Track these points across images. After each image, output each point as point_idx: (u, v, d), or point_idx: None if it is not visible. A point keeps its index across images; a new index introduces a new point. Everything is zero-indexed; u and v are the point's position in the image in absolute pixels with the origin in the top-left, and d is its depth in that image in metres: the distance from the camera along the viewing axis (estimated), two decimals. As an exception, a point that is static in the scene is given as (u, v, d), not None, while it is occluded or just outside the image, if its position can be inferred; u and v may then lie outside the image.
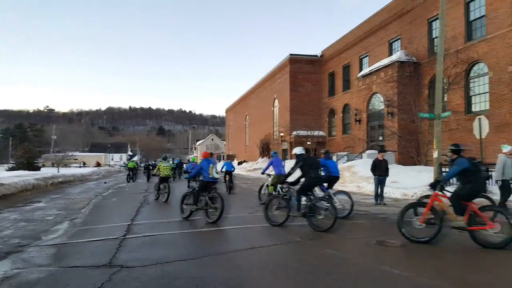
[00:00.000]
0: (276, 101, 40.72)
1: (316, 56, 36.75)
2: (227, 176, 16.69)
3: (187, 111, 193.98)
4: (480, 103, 19.06)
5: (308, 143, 31.95)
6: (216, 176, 9.33)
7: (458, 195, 6.50)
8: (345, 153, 26.52)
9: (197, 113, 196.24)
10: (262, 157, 39.68)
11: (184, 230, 8.18)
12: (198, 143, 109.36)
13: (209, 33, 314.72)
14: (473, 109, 19.29)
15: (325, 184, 9.82)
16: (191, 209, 9.23)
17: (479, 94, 19.08)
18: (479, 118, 14.31)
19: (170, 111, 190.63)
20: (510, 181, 9.21)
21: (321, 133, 34.47)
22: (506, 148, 9.86)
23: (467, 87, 19.62)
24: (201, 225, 8.64)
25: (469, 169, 6.47)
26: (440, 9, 14.33)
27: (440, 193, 6.84)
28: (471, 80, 19.54)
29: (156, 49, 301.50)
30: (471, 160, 6.77)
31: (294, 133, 34.00)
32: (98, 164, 68.62)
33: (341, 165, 20.27)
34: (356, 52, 30.36)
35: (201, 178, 9.37)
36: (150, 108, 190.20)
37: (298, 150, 8.64)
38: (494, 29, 17.90)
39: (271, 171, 12.45)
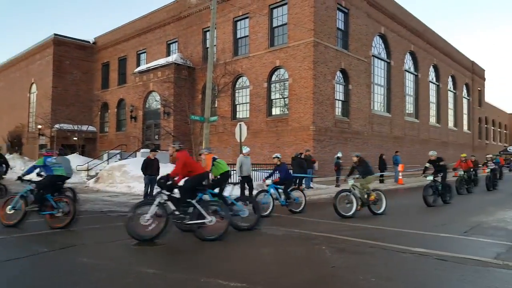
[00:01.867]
0: (34, 86, 34.43)
1: (88, 42, 33.15)
2: None
3: None
4: (243, 111, 21.95)
5: (75, 138, 28.21)
6: None
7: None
8: (118, 151, 25.17)
9: None
10: (11, 153, 32.37)
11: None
12: None
13: None
14: (237, 116, 22.01)
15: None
16: None
17: (242, 103, 21.97)
18: (240, 124, 16.29)
19: None
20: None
21: (91, 128, 31.02)
22: (245, 149, 11.88)
23: (233, 96, 22.24)
24: None
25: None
26: (211, 22, 15.52)
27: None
28: (236, 91, 22.26)
29: None
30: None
31: (57, 126, 28.97)
32: None
33: (111, 164, 19.66)
34: (133, 46, 29.25)
35: None
36: None
37: None
38: (254, 49, 20.92)
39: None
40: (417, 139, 27.84)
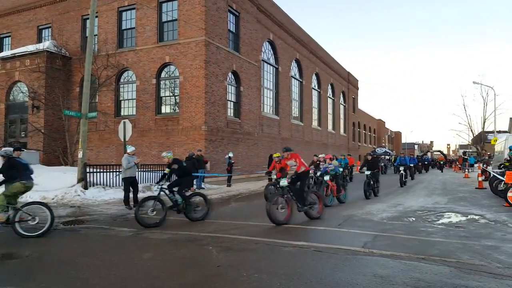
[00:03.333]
0: None
1: None
2: None
3: None
4: (128, 108, 20.48)
5: None
6: None
7: None
8: None
9: None
10: None
11: None
12: None
13: None
14: (122, 113, 20.44)
15: None
16: None
17: (128, 99, 20.48)
18: (124, 122, 15.06)
19: None
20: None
21: None
22: (130, 149, 11.14)
23: (117, 91, 20.57)
24: None
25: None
26: (91, 9, 14.11)
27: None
28: (121, 85, 20.64)
29: None
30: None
31: None
32: None
33: None
34: (-5, 28, 24.96)
35: None
36: None
37: None
38: (142, 42, 19.70)
39: None
40: (302, 141, 29.90)
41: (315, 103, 34.59)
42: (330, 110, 38.95)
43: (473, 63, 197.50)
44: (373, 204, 11.33)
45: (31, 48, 20.84)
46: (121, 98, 20.67)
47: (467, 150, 52.43)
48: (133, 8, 20.10)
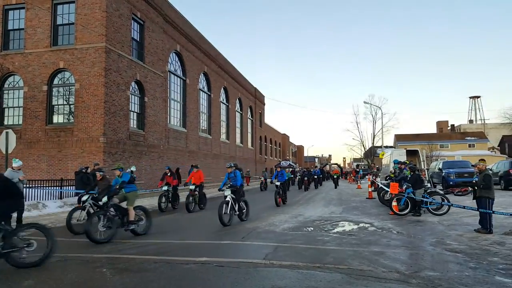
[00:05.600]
0: None
1: None
2: None
3: None
4: (13, 117, 18.14)
5: None
6: None
7: None
8: None
9: None
10: None
11: None
12: None
13: None
14: (5, 122, 18.03)
15: None
16: None
17: (12, 107, 18.11)
18: (7, 132, 13.37)
19: None
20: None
21: None
22: (16, 163, 9.84)
23: (1, 98, 18.09)
24: None
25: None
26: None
27: None
28: (5, 91, 18.20)
29: None
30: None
31: None
32: None
33: None
34: None
35: None
36: None
37: None
38: (32, 45, 17.72)
39: None
40: (210, 154, 29.83)
41: (223, 117, 34.98)
42: (238, 124, 39.77)
43: (367, 82, 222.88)
44: (276, 215, 11.74)
45: None
46: (4, 106, 18.18)
47: (360, 163, 58.03)
48: (22, 8, 18.03)
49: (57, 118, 17.79)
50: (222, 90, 34.72)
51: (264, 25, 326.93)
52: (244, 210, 10.59)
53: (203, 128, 29.92)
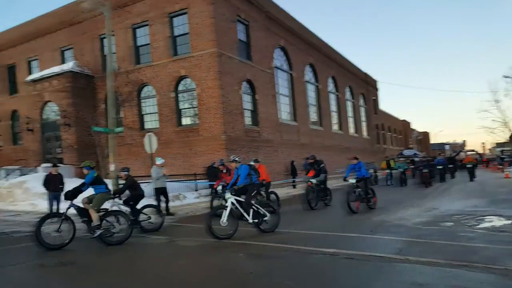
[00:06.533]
0: None
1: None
2: None
3: None
4: (151, 122, 20.79)
5: None
6: None
7: None
8: (17, 167, 22.18)
9: None
10: None
11: None
12: None
13: None
14: (145, 126, 20.78)
15: None
16: None
17: (150, 113, 20.83)
18: (149, 135, 15.52)
19: None
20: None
21: None
22: (159, 161, 11.75)
23: (140, 106, 20.95)
24: None
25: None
26: (106, 29, 14.49)
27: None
28: (142, 100, 21.03)
29: None
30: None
31: None
32: None
33: (11, 181, 18.36)
34: (23, 53, 25.80)
35: None
36: None
37: None
38: (157, 58, 20.02)
39: None
40: (323, 146, 29.57)
41: (333, 107, 34.23)
42: (350, 113, 38.46)
43: (500, 56, 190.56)
44: (405, 209, 10.93)
45: (56, 69, 21.64)
46: (143, 112, 21.04)
47: (505, 149, 50.08)
48: (146, 25, 20.49)
49: (185, 120, 19.86)
50: (330, 80, 33.99)
51: (368, 5, 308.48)
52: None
53: (314, 120, 29.80)
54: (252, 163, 18.09)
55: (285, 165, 23.11)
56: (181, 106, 19.89)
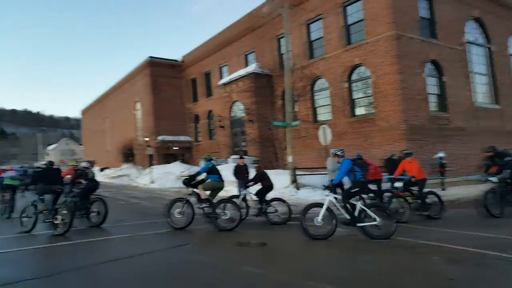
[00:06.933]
0: (138, 104, 38.35)
1: (177, 61, 35.82)
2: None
3: (34, 112, 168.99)
4: (324, 114, 21.21)
5: (175, 148, 31.98)
6: None
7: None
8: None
9: (46, 114, 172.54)
10: (127, 163, 36.82)
11: (35, 246, 7.28)
12: (50, 147, 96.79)
13: (61, 28, 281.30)
14: (318, 119, 21.36)
15: None
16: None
17: (323, 106, 21.25)
18: (323, 127, 15.84)
19: (13, 111, 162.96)
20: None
21: (187, 138, 34.18)
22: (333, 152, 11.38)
23: (313, 99, 21.67)
24: (53, 239, 7.92)
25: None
26: (284, 29, 15.41)
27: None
28: (315, 93, 21.63)
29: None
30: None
31: (160, 138, 32.89)
32: None
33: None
34: (215, 61, 30.65)
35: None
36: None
37: None
38: (330, 49, 20.11)
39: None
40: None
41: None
42: None
43: None
44: None
45: (241, 72, 24.76)
46: (316, 105, 21.64)
47: None
48: (320, 18, 20.83)
49: (359, 110, 19.34)
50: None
51: None
52: None
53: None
54: (441, 154, 15.95)
55: (481, 157, 19.58)
56: (354, 96, 19.47)
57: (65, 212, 8.20)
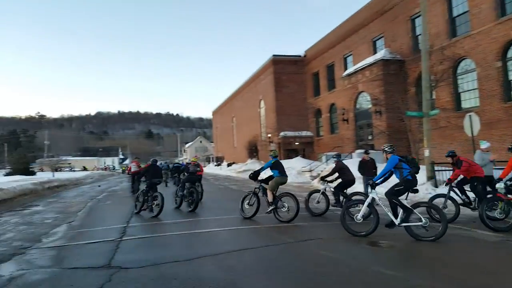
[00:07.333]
0: (262, 102, 40.13)
1: (299, 56, 36.16)
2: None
3: (175, 114, 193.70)
4: (470, 100, 18.62)
5: (297, 143, 32.46)
6: None
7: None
8: (334, 153, 26.14)
9: (184, 115, 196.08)
10: (251, 159, 39.12)
11: (179, 232, 8.16)
12: (187, 145, 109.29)
13: (194, 37, 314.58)
14: (462, 106, 18.86)
15: None
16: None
17: (468, 90, 18.64)
18: (470, 115, 13.87)
19: (158, 115, 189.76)
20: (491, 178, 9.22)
21: (308, 133, 34.28)
22: (484, 144, 10.05)
23: (455, 84, 19.19)
24: (197, 226, 8.80)
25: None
26: (421, 6, 13.95)
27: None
28: (459, 77, 19.09)
29: (142, 54, 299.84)
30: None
31: (282, 133, 33.72)
32: (84, 168, 76.08)
33: (330, 165, 20.56)
34: (339, 51, 29.81)
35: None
36: (138, 112, 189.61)
37: None
38: (479, 24, 17.43)
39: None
40: None
41: None
42: None
43: None
44: None
45: (369, 60, 23.42)
46: (460, 90, 19.12)
47: None
48: (465, -11, 18.22)
49: (517, 93, 16.37)
50: None
51: None
52: None
53: None
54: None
55: None
56: (510, 77, 16.53)
57: (159, 200, 10.21)
